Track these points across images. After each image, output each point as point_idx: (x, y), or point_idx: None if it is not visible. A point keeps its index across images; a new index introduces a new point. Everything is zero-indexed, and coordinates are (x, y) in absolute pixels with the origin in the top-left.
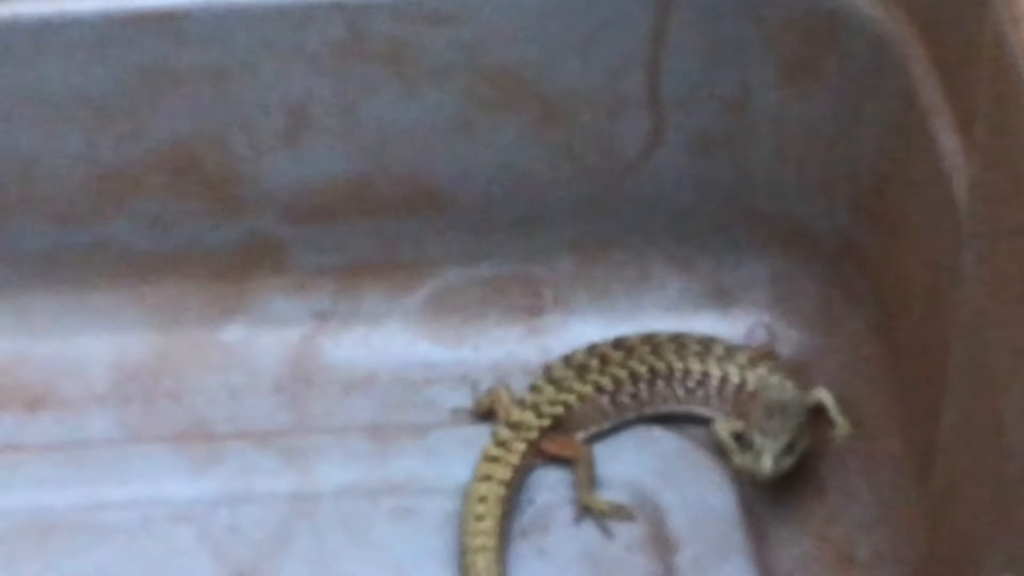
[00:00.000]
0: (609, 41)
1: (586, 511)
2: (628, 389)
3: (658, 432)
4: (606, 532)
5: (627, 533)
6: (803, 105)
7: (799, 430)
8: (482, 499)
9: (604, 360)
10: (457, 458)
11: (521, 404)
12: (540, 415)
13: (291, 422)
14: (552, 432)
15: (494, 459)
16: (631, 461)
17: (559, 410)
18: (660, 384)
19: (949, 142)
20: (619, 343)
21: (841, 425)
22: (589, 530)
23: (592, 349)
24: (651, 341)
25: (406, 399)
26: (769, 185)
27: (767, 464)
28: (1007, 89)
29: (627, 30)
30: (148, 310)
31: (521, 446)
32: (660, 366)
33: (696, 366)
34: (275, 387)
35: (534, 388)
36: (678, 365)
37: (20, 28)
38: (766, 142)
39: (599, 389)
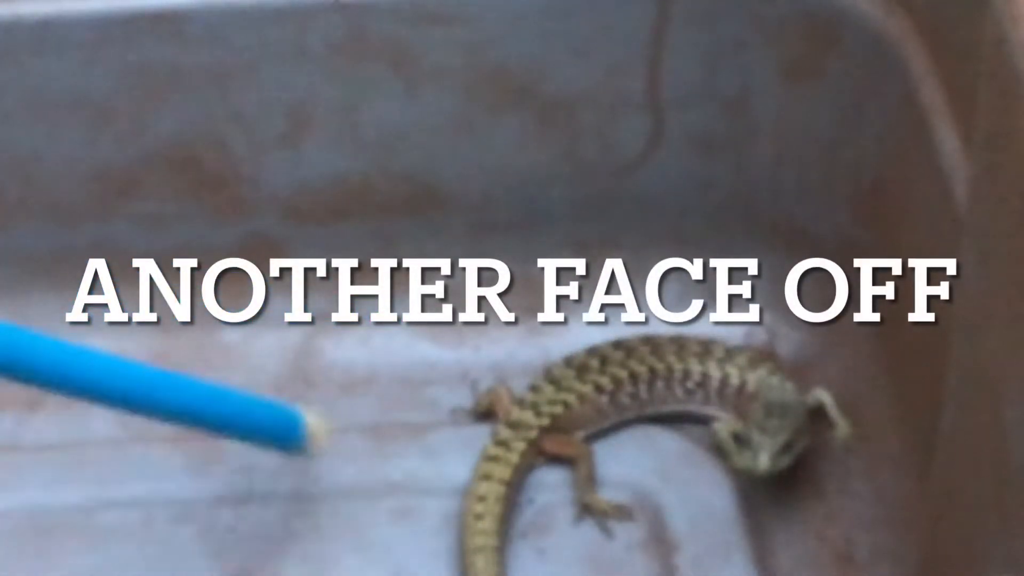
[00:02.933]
0: (609, 41)
1: (586, 511)
2: (627, 389)
3: (658, 432)
4: (606, 532)
5: (627, 533)
6: (803, 105)
7: (797, 430)
8: (481, 499)
9: (604, 360)
10: (457, 458)
11: (521, 403)
12: (539, 414)
13: None
14: (552, 431)
15: (494, 458)
16: (631, 461)
17: (558, 409)
18: (660, 385)
19: (949, 142)
20: (619, 344)
21: (841, 425)
22: (589, 530)
23: (592, 350)
24: (651, 342)
25: (406, 399)
26: (769, 185)
27: (764, 462)
28: (1007, 89)
29: (627, 30)
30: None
31: (521, 445)
32: (660, 367)
33: (696, 367)
34: (275, 387)
35: (534, 388)
36: (678, 366)
37: (20, 28)
38: (766, 142)
39: (598, 389)
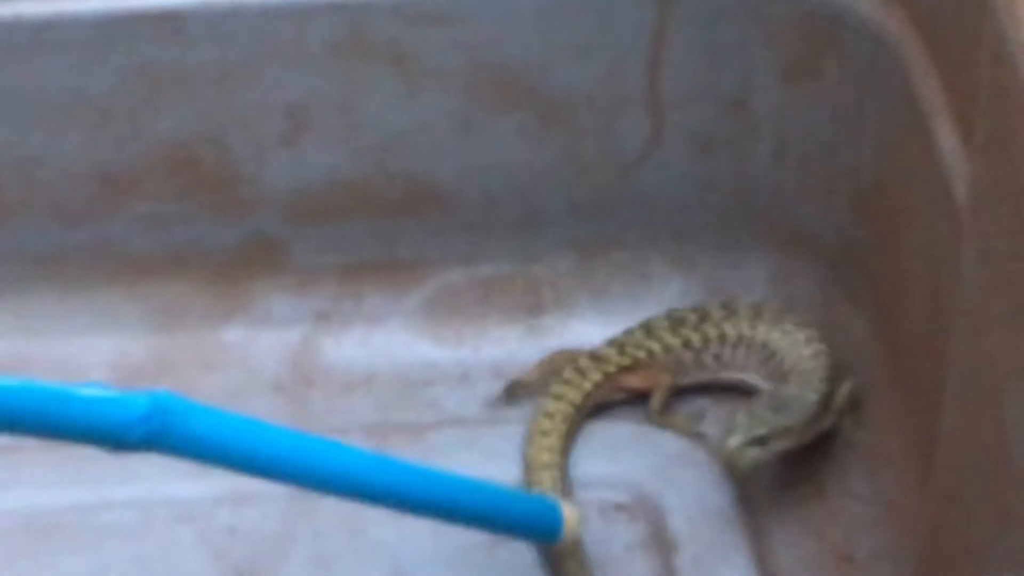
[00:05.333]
0: (609, 41)
1: (663, 427)
2: (714, 350)
3: (658, 432)
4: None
5: (627, 533)
6: (803, 105)
7: (783, 430)
8: (549, 416)
9: (703, 318)
10: (457, 458)
11: (610, 342)
12: (623, 353)
13: (291, 422)
14: (632, 372)
15: (568, 382)
16: (631, 461)
17: (641, 354)
18: (742, 350)
19: (949, 142)
20: (726, 304)
21: (845, 423)
22: (589, 530)
23: (697, 307)
24: (756, 309)
25: (406, 399)
26: (769, 185)
27: (730, 443)
28: (1007, 89)
29: (627, 30)
30: (148, 310)
31: (596, 376)
32: (748, 333)
33: (779, 342)
34: (275, 387)
35: (627, 331)
36: (763, 335)
37: (20, 28)
38: (766, 142)
39: (687, 344)
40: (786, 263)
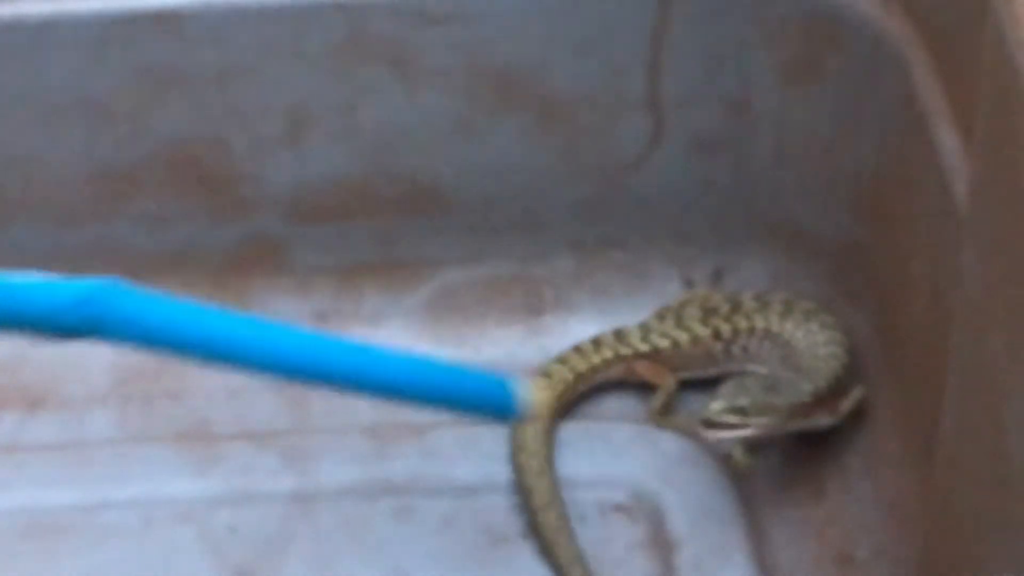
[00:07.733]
0: (609, 41)
1: (659, 426)
2: (742, 341)
3: (658, 432)
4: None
5: (627, 533)
6: (803, 105)
7: (765, 407)
8: (547, 375)
9: (736, 308)
10: (457, 458)
11: (641, 325)
12: (645, 340)
13: (291, 422)
14: (649, 359)
15: (579, 350)
16: (631, 461)
17: (666, 343)
18: (767, 344)
19: (949, 142)
20: (760, 296)
21: (830, 415)
22: (589, 530)
23: (732, 296)
24: (788, 305)
25: None
26: (769, 185)
27: (711, 407)
28: (1007, 89)
29: (627, 30)
30: None
31: (609, 354)
32: (776, 328)
33: (799, 338)
34: (275, 387)
35: (660, 315)
36: (788, 332)
37: (20, 28)
38: (766, 142)
39: (716, 335)
40: (786, 263)
